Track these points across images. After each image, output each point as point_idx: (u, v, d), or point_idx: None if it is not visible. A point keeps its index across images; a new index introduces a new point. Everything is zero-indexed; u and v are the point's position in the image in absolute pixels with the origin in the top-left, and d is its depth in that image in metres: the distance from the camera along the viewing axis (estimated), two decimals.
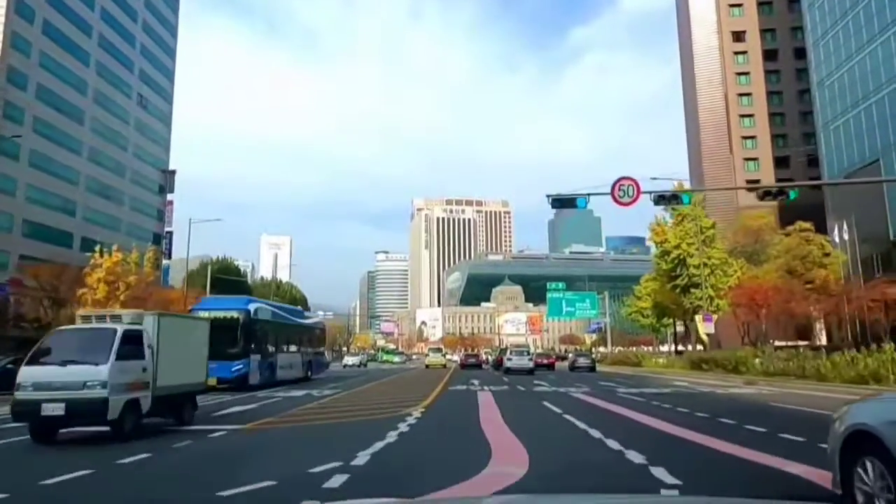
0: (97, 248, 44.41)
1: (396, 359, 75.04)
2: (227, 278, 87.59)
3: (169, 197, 72.83)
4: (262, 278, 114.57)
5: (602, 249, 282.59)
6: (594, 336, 65.38)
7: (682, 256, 46.06)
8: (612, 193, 19.71)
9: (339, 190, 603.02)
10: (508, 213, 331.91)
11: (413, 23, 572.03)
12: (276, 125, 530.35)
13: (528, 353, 42.71)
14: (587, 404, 16.85)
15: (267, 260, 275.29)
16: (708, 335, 46.13)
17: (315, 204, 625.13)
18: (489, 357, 67.65)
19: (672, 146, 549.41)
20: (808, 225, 48.42)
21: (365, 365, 62.87)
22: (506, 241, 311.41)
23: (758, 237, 51.38)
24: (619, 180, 19.69)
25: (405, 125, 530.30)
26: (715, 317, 43.61)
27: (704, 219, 46.68)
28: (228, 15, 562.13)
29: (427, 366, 52.83)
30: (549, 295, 66.02)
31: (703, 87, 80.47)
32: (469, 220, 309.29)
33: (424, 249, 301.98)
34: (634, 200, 19.75)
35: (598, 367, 47.98)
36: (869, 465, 4.27)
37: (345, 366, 59.09)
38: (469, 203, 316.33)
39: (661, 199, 22.14)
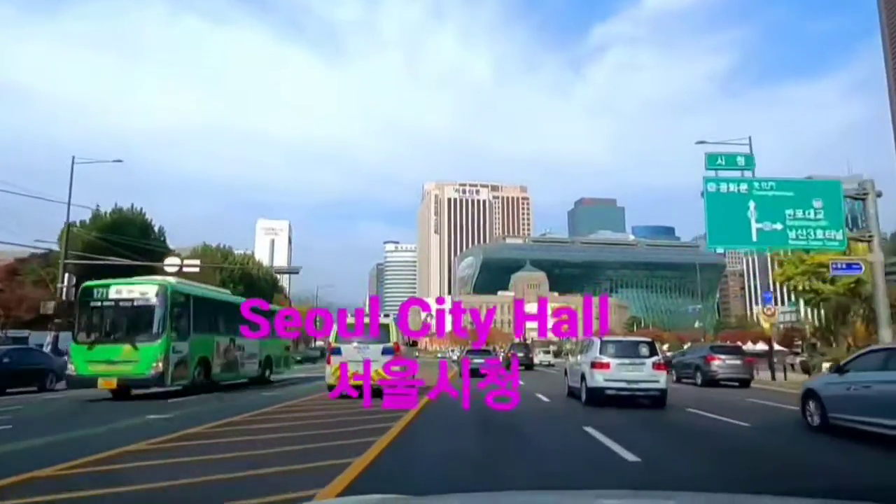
0: None
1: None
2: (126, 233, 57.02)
3: None
4: (203, 244, 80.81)
5: (631, 237, 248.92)
6: (793, 315, 25.82)
7: None
8: None
9: (352, 187, 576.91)
10: (527, 199, 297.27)
11: (435, 21, 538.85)
12: (288, 122, 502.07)
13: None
14: None
15: (263, 245, 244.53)
16: None
17: (327, 201, 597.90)
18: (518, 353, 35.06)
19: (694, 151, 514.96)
20: None
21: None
22: (524, 229, 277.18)
23: None
24: None
25: (423, 124, 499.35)
26: None
27: None
28: (250, 14, 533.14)
29: (330, 386, 16.75)
30: (707, 187, 18.59)
31: None
32: (483, 201, 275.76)
33: (434, 234, 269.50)
34: None
35: None
36: (811, 402, 11.00)
37: None
38: (484, 186, 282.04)
39: None
